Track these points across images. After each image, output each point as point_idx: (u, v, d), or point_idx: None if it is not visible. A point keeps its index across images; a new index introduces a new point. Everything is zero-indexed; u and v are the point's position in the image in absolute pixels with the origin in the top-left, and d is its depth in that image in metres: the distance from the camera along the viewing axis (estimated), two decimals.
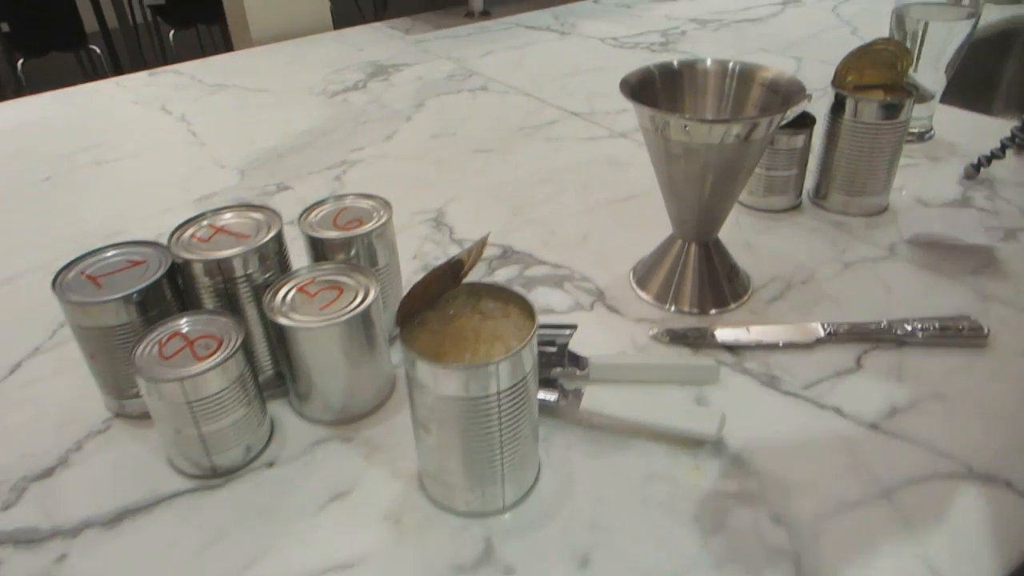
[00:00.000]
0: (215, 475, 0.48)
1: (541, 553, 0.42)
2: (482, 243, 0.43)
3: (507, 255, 0.70)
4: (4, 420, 0.54)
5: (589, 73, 1.16)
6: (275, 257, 0.52)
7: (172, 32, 3.57)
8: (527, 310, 0.42)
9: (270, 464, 0.49)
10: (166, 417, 0.46)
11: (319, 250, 0.54)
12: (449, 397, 0.39)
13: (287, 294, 0.49)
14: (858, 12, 1.43)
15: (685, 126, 0.53)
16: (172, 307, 0.50)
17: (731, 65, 0.59)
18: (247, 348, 0.52)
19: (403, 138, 0.96)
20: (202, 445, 0.47)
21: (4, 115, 1.09)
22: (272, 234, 0.51)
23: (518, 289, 0.43)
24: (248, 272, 0.50)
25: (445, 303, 0.43)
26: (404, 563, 0.42)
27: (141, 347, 0.46)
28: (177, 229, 0.52)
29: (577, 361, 0.54)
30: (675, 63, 0.59)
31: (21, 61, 3.24)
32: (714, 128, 0.53)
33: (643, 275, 0.65)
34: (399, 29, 1.42)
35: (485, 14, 1.50)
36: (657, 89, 0.59)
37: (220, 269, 0.49)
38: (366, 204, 0.57)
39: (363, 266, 0.51)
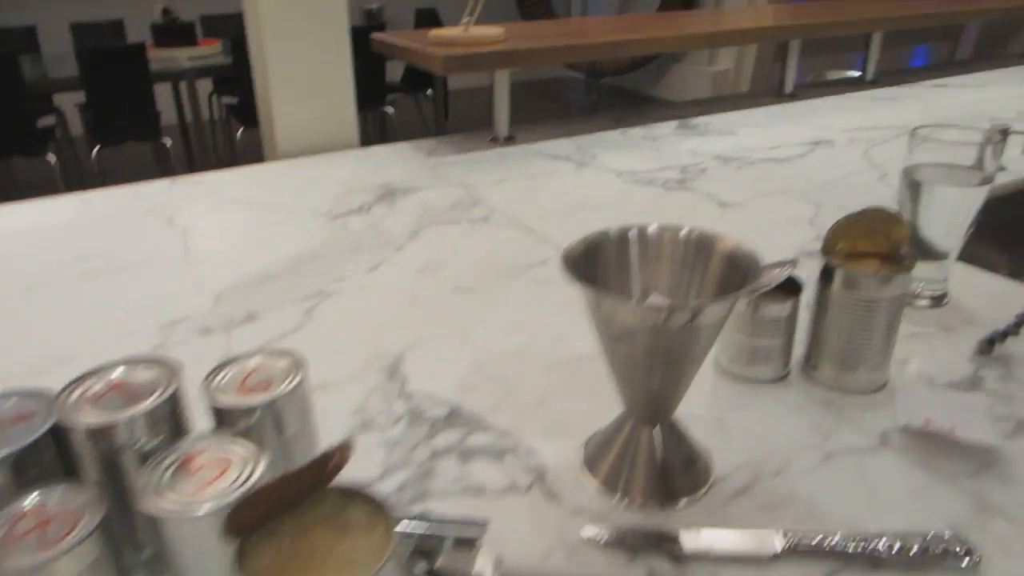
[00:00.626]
0: None
1: None
2: (349, 444, 0.39)
3: (453, 417, 0.65)
4: None
5: (595, 209, 1.14)
6: (167, 421, 0.48)
7: (241, 129, 3.79)
8: (393, 525, 0.37)
9: None
10: None
11: (220, 416, 0.50)
12: None
13: (168, 468, 0.46)
14: (890, 156, 1.39)
15: (621, 307, 0.49)
16: (54, 470, 0.47)
17: (684, 233, 0.55)
18: (123, 524, 0.48)
19: (387, 270, 0.94)
20: None
21: (21, 215, 1.13)
22: (163, 397, 0.48)
23: (387, 501, 0.38)
24: (133, 440, 0.46)
25: (308, 508, 0.39)
26: None
27: None
28: (71, 384, 0.49)
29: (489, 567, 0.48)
30: (620, 230, 0.55)
31: (97, 148, 3.46)
32: (654, 312, 0.48)
33: (594, 454, 0.59)
34: (422, 150, 1.44)
35: (510, 139, 1.52)
36: (608, 258, 0.55)
37: (100, 437, 0.46)
38: (281, 363, 0.53)
39: (253, 439, 0.47)
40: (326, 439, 0.60)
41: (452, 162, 1.38)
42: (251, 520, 0.36)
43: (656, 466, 0.56)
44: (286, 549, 0.37)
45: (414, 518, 0.48)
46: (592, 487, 0.57)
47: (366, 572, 0.34)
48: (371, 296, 0.87)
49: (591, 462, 0.59)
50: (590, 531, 0.52)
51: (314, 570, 0.36)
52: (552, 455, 0.60)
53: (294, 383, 0.51)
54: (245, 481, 0.44)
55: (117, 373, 0.50)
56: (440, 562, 0.48)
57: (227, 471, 0.45)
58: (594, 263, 0.53)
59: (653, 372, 0.52)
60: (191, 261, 0.97)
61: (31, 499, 0.43)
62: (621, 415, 0.58)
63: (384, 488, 0.57)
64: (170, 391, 0.48)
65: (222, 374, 0.52)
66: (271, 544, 0.37)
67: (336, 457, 0.38)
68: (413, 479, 0.58)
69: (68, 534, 0.41)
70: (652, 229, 0.55)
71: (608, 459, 0.58)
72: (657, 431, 0.56)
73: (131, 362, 0.51)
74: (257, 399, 0.50)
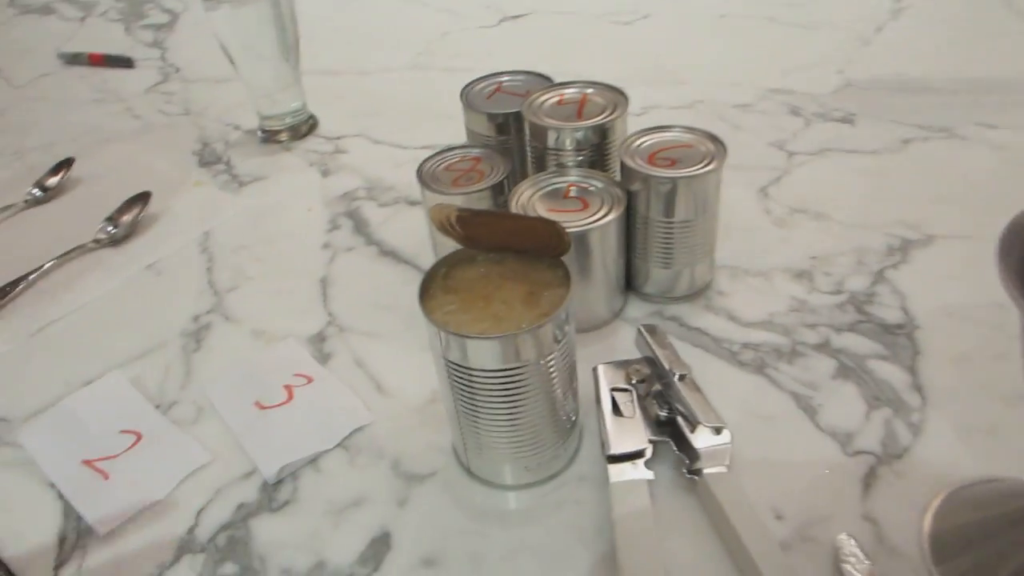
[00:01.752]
0: None
1: None
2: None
3: (887, 330, 0.49)
4: None
5: None
6: (590, 147, 0.52)
7: None
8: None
9: None
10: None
11: (623, 172, 0.50)
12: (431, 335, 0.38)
13: (552, 184, 0.50)
14: None
15: None
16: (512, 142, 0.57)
17: None
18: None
19: None
20: None
21: None
22: (594, 122, 0.51)
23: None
24: (555, 146, 0.52)
25: (519, 259, 0.40)
26: None
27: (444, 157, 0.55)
28: (554, 86, 0.56)
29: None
30: None
31: None
32: None
33: (952, 508, 0.38)
34: None
35: None
36: None
37: (535, 134, 0.53)
38: (706, 148, 0.49)
39: (641, 204, 0.48)
40: (733, 251, 0.55)
41: None
42: (476, 232, 0.39)
43: None
44: (487, 273, 0.39)
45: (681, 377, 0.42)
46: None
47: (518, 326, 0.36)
48: (993, 161, 0.64)
49: (941, 530, 0.37)
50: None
51: (485, 306, 0.38)
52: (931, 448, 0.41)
53: (699, 171, 0.47)
54: (590, 223, 0.47)
55: (588, 91, 0.55)
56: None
57: (584, 209, 0.48)
58: None
59: None
60: (875, 40, 0.85)
61: (470, 150, 0.55)
62: None
63: (732, 333, 0.51)
64: (600, 120, 0.51)
65: (646, 137, 0.51)
66: (477, 264, 0.40)
67: (561, 234, 0.37)
68: (768, 345, 0.49)
69: (474, 183, 0.52)
70: None
71: (976, 545, 0.36)
72: None
73: (607, 88, 0.55)
74: (651, 170, 0.48)
